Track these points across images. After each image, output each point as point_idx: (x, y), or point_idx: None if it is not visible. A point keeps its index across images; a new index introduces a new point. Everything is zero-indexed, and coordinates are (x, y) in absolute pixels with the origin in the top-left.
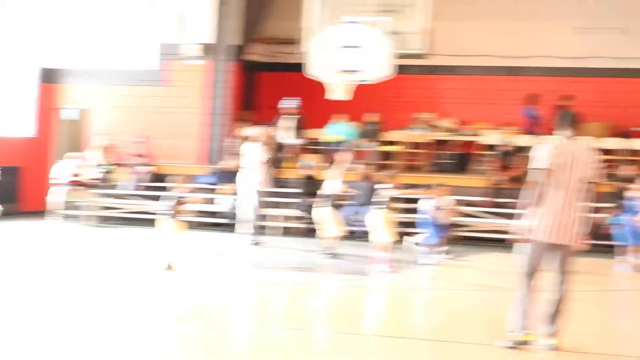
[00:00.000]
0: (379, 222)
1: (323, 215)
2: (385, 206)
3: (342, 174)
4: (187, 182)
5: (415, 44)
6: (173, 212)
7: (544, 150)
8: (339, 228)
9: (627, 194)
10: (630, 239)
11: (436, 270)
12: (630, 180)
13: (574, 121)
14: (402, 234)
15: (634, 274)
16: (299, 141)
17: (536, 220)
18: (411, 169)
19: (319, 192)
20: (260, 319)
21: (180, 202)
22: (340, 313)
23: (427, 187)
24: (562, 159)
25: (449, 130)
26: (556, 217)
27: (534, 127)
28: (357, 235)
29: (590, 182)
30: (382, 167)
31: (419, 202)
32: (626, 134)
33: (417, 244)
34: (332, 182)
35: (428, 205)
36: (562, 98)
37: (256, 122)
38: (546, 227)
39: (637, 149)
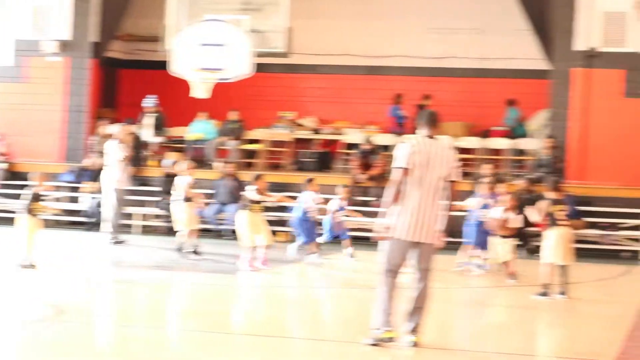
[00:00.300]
0: (244, 222)
1: (177, 212)
2: (249, 207)
3: (192, 170)
4: (44, 180)
5: (276, 43)
6: (29, 209)
7: (403, 149)
8: (193, 224)
9: (478, 192)
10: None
11: (303, 269)
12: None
13: (432, 120)
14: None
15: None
16: (160, 139)
17: (396, 218)
18: (274, 167)
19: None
20: (120, 319)
21: (36, 199)
22: (199, 312)
23: (308, 182)
24: (420, 157)
25: (311, 129)
26: (416, 215)
27: (400, 126)
28: (224, 234)
29: (449, 181)
30: (245, 166)
31: (297, 199)
32: (485, 134)
33: (300, 245)
34: (183, 178)
35: (306, 202)
36: (421, 97)
37: (117, 120)
38: (405, 225)
39: (496, 148)
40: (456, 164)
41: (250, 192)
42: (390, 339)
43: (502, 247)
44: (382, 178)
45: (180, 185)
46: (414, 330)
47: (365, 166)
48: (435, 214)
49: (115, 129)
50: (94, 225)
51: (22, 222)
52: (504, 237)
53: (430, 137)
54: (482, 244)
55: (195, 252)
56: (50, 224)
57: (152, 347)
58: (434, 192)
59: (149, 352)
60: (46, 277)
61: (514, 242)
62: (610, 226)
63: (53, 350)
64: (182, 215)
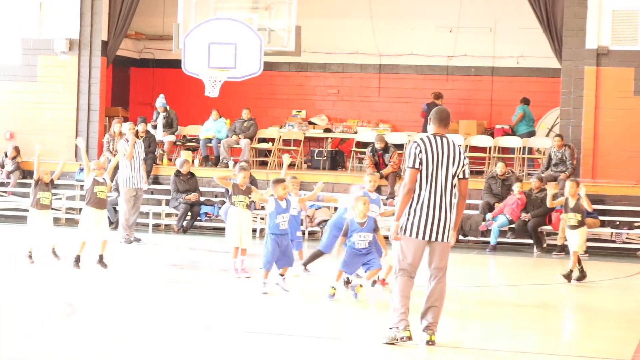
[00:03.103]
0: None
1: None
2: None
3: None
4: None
5: (286, 41)
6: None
7: (411, 149)
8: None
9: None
10: None
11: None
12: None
13: (442, 118)
14: None
15: None
16: (172, 138)
17: (409, 217)
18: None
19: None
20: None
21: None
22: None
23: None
24: (428, 156)
25: (322, 127)
26: (426, 214)
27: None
28: None
29: (460, 179)
30: (258, 164)
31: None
32: (490, 132)
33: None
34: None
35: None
36: (432, 96)
37: (129, 119)
38: (417, 224)
39: (504, 146)
40: (466, 162)
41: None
42: (406, 338)
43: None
44: (396, 176)
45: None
46: (429, 329)
47: (378, 165)
48: (446, 212)
49: (125, 127)
50: (109, 224)
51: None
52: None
53: (440, 135)
54: None
55: None
56: (63, 222)
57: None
58: (445, 190)
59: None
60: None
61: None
62: (624, 224)
63: None
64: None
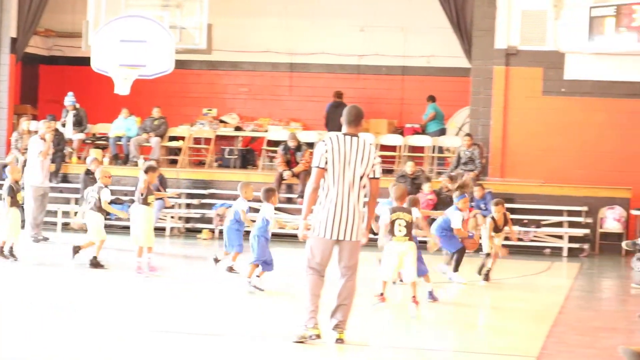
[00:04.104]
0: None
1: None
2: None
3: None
4: None
5: (196, 39)
6: None
7: (318, 148)
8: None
9: None
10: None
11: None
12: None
13: (352, 117)
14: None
15: None
16: (81, 136)
17: (317, 216)
18: (197, 164)
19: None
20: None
21: None
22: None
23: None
24: (336, 155)
25: (233, 126)
26: (333, 213)
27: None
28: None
29: (370, 178)
30: (167, 163)
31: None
32: (402, 131)
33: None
34: None
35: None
36: (334, 95)
37: (38, 116)
38: (324, 223)
39: (418, 145)
40: (377, 161)
41: None
42: (315, 336)
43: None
44: (307, 175)
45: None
46: (338, 327)
47: (290, 163)
48: (355, 212)
49: (35, 125)
50: None
51: None
52: None
53: (350, 134)
54: None
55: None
56: None
57: None
58: (353, 189)
59: None
60: None
61: None
62: (532, 223)
63: None
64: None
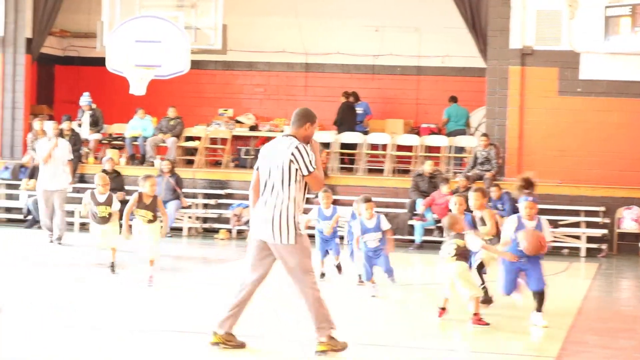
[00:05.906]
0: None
1: None
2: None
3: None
4: None
5: (212, 39)
6: None
7: (263, 148)
8: None
9: None
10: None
11: None
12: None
13: (296, 119)
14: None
15: None
16: (97, 136)
17: (252, 216)
18: (213, 164)
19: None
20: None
21: None
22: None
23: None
24: (262, 158)
25: (249, 126)
26: (260, 214)
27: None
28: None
29: (303, 176)
30: (184, 163)
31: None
32: (418, 131)
33: None
34: None
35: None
36: (343, 95)
37: (54, 117)
38: (254, 224)
39: (430, 145)
40: (298, 157)
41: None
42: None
43: None
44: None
45: None
46: (223, 324)
47: None
48: (280, 213)
49: (50, 125)
50: (34, 223)
51: None
52: None
53: (287, 135)
54: None
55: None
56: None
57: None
58: (275, 189)
59: None
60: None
61: None
62: (549, 223)
63: None
64: None
